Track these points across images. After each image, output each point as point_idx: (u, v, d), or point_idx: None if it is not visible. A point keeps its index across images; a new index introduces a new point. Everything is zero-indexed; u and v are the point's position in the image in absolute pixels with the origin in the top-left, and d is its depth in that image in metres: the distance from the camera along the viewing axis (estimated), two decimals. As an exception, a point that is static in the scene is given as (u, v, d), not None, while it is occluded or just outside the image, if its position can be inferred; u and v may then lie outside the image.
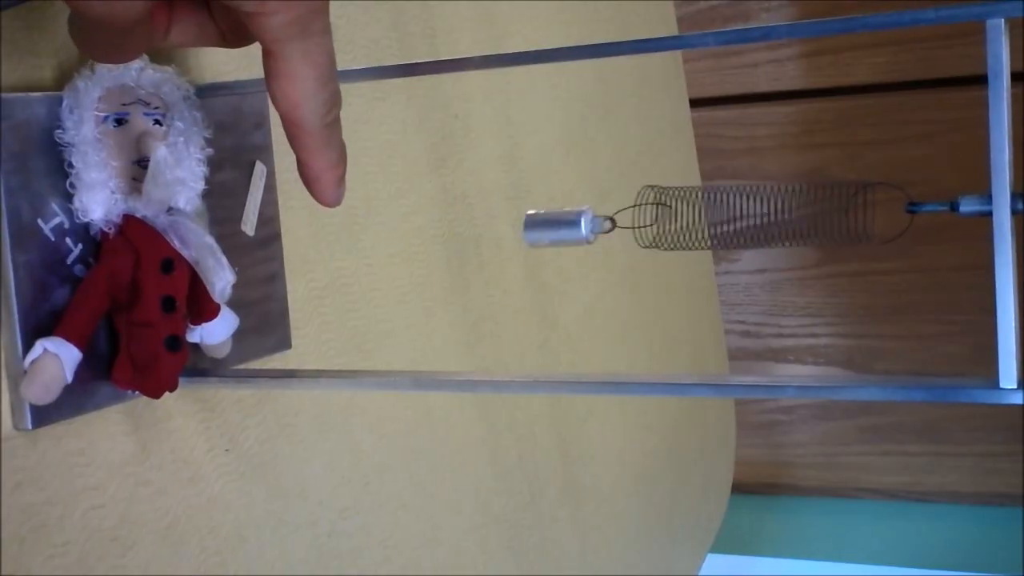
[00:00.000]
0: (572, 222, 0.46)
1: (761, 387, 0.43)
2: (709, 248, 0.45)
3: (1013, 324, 0.37)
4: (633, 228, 0.46)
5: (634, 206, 0.46)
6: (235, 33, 0.44)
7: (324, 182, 0.44)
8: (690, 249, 0.45)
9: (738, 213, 0.44)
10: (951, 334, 1.63)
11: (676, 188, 0.45)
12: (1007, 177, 0.37)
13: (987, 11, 0.37)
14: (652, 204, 0.45)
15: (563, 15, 0.99)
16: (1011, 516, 1.62)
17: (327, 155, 0.44)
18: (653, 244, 0.46)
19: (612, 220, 0.47)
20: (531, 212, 0.48)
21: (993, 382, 0.38)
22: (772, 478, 1.79)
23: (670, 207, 0.45)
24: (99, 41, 0.42)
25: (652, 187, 0.46)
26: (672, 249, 0.46)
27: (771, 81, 1.68)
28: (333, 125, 0.43)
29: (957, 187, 0.40)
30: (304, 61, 0.41)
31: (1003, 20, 0.37)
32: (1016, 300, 0.37)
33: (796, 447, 1.77)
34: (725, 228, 0.45)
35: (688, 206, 0.45)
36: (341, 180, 0.45)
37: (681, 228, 0.45)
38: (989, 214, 0.38)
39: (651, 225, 0.45)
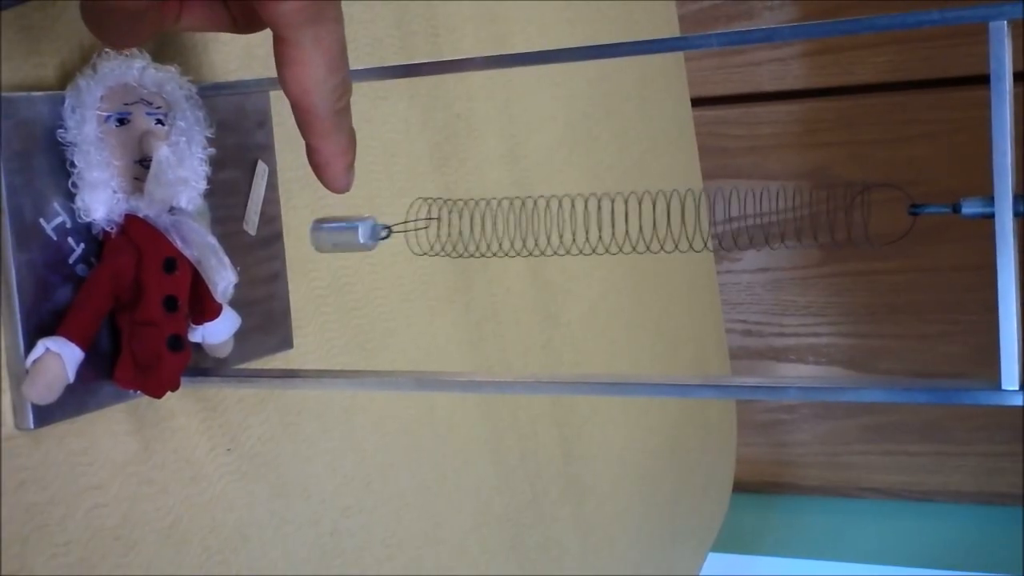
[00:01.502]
0: (353, 228, 0.50)
1: (764, 388, 0.43)
2: (482, 256, 0.48)
3: (1015, 326, 0.37)
4: (405, 233, 0.50)
5: (405, 221, 0.50)
6: (246, 19, 0.44)
7: (334, 168, 0.45)
8: (461, 257, 0.49)
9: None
10: (953, 334, 1.63)
11: (449, 200, 0.50)
12: (1009, 179, 0.37)
13: (990, 13, 0.37)
14: (422, 219, 0.50)
15: (566, 13, 0.99)
16: (1013, 516, 1.62)
17: (337, 141, 0.44)
18: (426, 252, 0.50)
19: (388, 228, 0.50)
20: (318, 218, 0.51)
21: (995, 384, 0.38)
22: (774, 477, 1.79)
23: (438, 219, 0.50)
24: (111, 25, 0.42)
25: (424, 199, 0.50)
26: (445, 256, 0.50)
27: (774, 80, 1.68)
28: (343, 112, 0.43)
29: (959, 187, 0.40)
30: (315, 47, 0.41)
31: (1006, 22, 0.37)
32: (1018, 302, 0.37)
33: (798, 446, 1.77)
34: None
35: (458, 217, 0.49)
36: (350, 167, 0.45)
37: (452, 238, 0.49)
38: (991, 216, 0.38)
39: (422, 230, 0.50)
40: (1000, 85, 0.37)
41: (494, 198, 0.49)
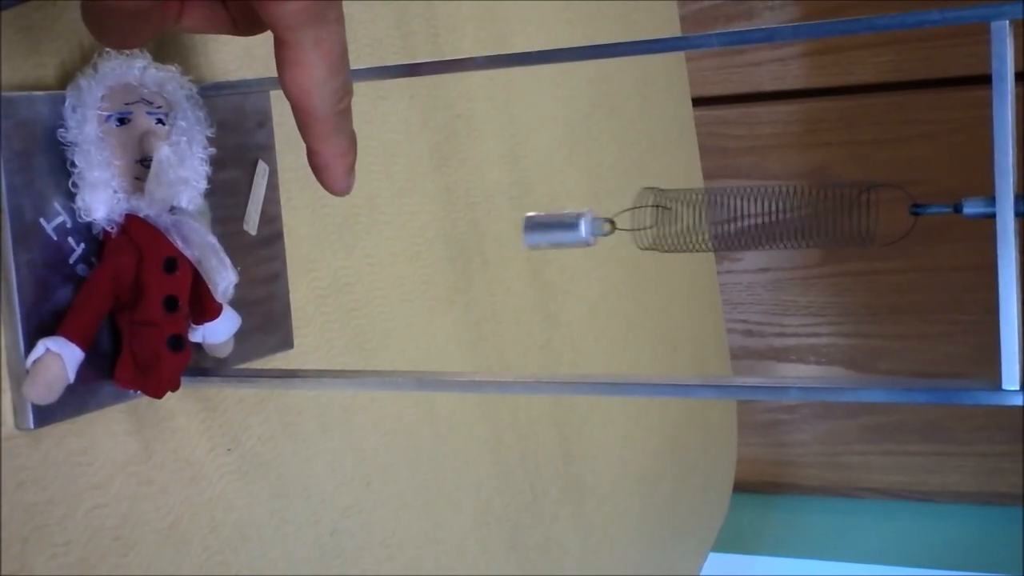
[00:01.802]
0: (572, 224, 0.47)
1: (764, 388, 0.43)
2: (709, 250, 0.45)
3: (1016, 326, 0.37)
4: (633, 230, 0.46)
5: (633, 208, 0.46)
6: (246, 20, 0.44)
7: (334, 171, 0.44)
8: (689, 251, 0.45)
9: (740, 214, 0.44)
10: (953, 334, 1.63)
11: (675, 190, 0.46)
12: (1011, 179, 0.37)
13: (992, 12, 0.37)
14: (651, 206, 0.45)
15: (566, 13, 0.99)
16: (1013, 516, 1.62)
17: (337, 143, 0.44)
18: (652, 246, 0.46)
19: (612, 222, 0.47)
20: (531, 214, 0.48)
21: (995, 384, 0.38)
22: (774, 477, 1.79)
23: (670, 209, 0.45)
24: (111, 26, 0.42)
25: (651, 189, 0.46)
26: (671, 251, 0.46)
27: (774, 80, 1.67)
28: (344, 113, 0.43)
29: (960, 187, 0.40)
30: (316, 49, 0.41)
31: (1008, 21, 0.37)
32: (1019, 303, 0.37)
33: (798, 446, 1.77)
34: (727, 228, 0.45)
35: (688, 208, 0.45)
36: (351, 169, 0.45)
37: (680, 230, 0.46)
38: (993, 216, 0.38)
39: (650, 227, 0.46)
40: (1002, 85, 0.37)
41: (713, 187, 0.45)
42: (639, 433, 1.10)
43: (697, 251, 0.45)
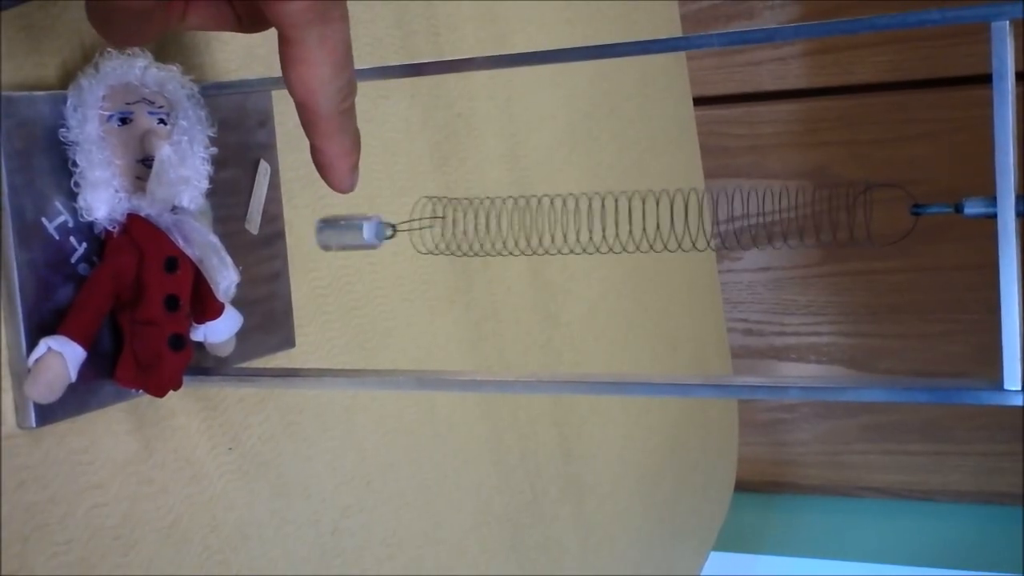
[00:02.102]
0: (357, 227, 0.50)
1: (764, 388, 0.43)
2: (487, 255, 0.48)
3: (1017, 326, 0.37)
4: (410, 232, 0.50)
5: (410, 220, 0.50)
6: (251, 18, 0.44)
7: (338, 169, 0.45)
8: (467, 256, 0.49)
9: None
10: (954, 333, 1.63)
11: (453, 199, 0.49)
12: (1012, 179, 0.37)
13: (992, 12, 0.37)
14: (427, 218, 0.50)
15: (566, 12, 0.99)
16: (1013, 515, 1.62)
17: (341, 141, 0.44)
18: (431, 251, 0.50)
19: (393, 227, 0.50)
20: (323, 217, 0.51)
21: (997, 384, 0.38)
22: (774, 476, 1.79)
23: (443, 217, 0.49)
24: (116, 25, 0.42)
25: (429, 197, 0.50)
26: (450, 255, 0.49)
27: (775, 79, 1.67)
28: (348, 112, 0.43)
29: (960, 186, 0.40)
30: (321, 47, 0.41)
31: (1008, 22, 0.37)
32: (1020, 302, 0.37)
33: (798, 445, 1.77)
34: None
35: (462, 215, 0.49)
36: (355, 167, 0.45)
37: (456, 236, 0.49)
38: (994, 216, 0.38)
39: (427, 228, 0.50)
40: (1002, 84, 0.37)
41: (498, 197, 0.48)
42: (639, 432, 1.10)
43: (473, 256, 0.49)
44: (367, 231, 0.50)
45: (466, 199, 0.49)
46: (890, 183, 0.41)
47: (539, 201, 0.48)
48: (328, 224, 0.51)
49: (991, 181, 0.37)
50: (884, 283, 1.67)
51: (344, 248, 0.51)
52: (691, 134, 1.32)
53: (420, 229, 0.50)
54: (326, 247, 0.51)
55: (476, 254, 0.48)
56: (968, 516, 1.67)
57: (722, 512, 1.44)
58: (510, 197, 0.48)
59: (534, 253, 0.47)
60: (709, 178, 1.42)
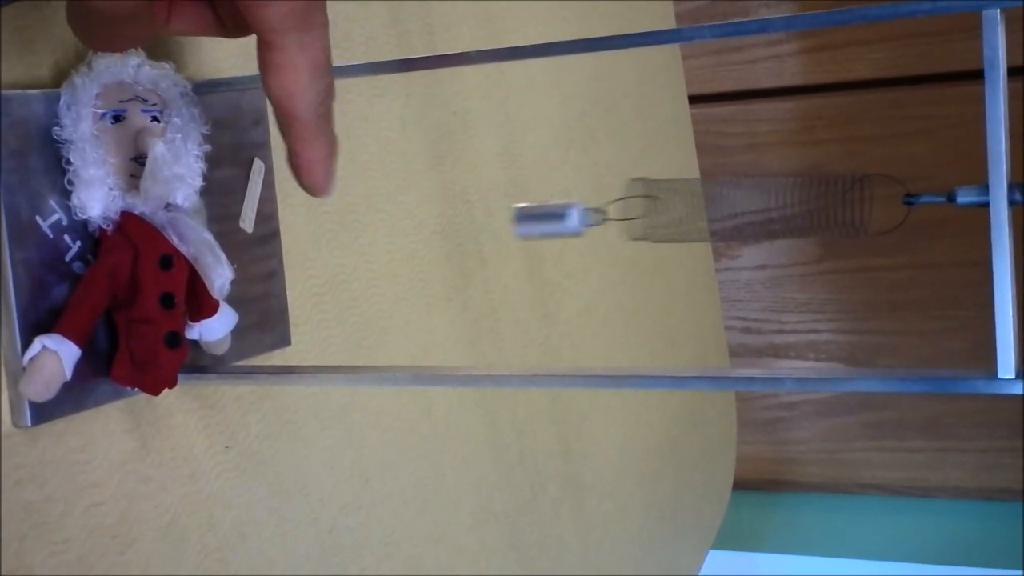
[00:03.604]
0: (562, 215, 0.47)
1: (759, 380, 0.43)
2: (701, 240, 0.45)
3: (1011, 314, 0.37)
4: (624, 220, 0.46)
5: (622, 198, 0.46)
6: (235, 22, 0.44)
7: (314, 172, 0.44)
8: (680, 241, 0.46)
9: (733, 206, 0.44)
10: (953, 330, 1.63)
11: (665, 181, 0.46)
12: (1004, 167, 0.37)
13: (983, 2, 0.37)
14: (641, 196, 0.46)
15: (562, 12, 0.99)
16: (1014, 512, 1.62)
17: (319, 145, 0.44)
18: (643, 236, 0.46)
19: (603, 212, 0.47)
20: (521, 205, 0.48)
21: (992, 373, 0.38)
22: (774, 474, 1.79)
23: (659, 199, 0.46)
24: (99, 30, 0.42)
25: (641, 179, 0.46)
26: (662, 241, 0.46)
27: (771, 77, 1.67)
28: (326, 116, 0.43)
29: (957, 182, 0.40)
30: (301, 53, 0.41)
31: (999, 11, 0.37)
32: (1014, 290, 0.37)
33: (798, 443, 1.77)
34: (724, 223, 0.45)
35: (678, 198, 0.46)
36: (331, 172, 0.45)
37: (671, 221, 0.46)
38: (986, 204, 0.38)
39: (641, 217, 0.46)
40: (994, 73, 0.37)
41: (696, 179, 0.46)
42: (638, 430, 1.10)
43: (688, 241, 0.45)
44: (573, 219, 0.47)
45: (676, 180, 0.46)
46: (882, 174, 0.41)
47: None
48: (528, 213, 0.48)
49: (987, 175, 0.37)
50: (883, 280, 1.67)
51: (546, 237, 0.48)
52: (687, 132, 1.32)
53: (631, 219, 0.46)
54: (526, 237, 0.48)
55: (688, 240, 0.46)
56: (969, 513, 1.67)
57: (721, 510, 1.44)
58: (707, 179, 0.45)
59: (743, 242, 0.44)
60: (705, 177, 1.41)
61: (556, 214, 0.47)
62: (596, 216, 0.47)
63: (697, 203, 0.45)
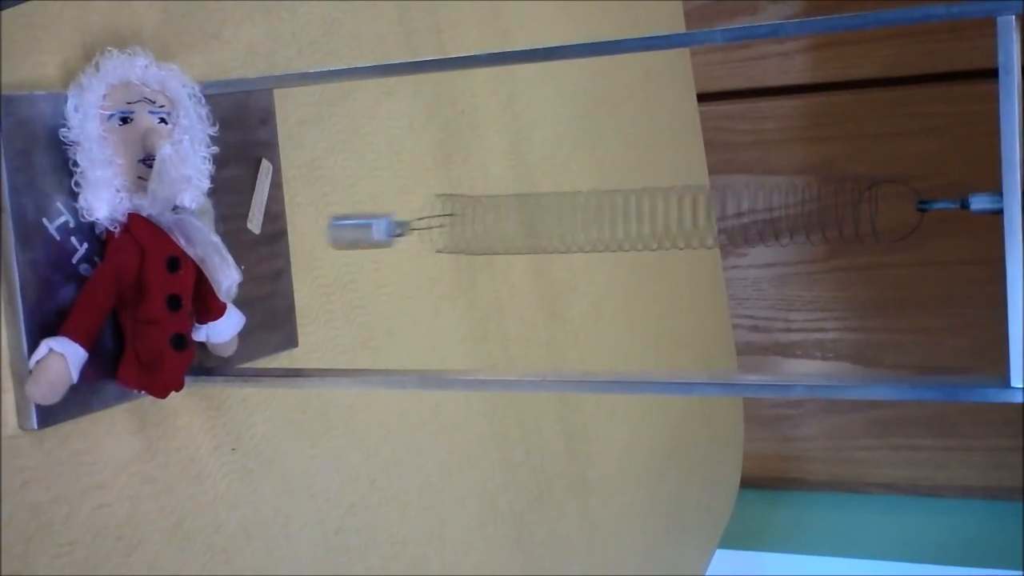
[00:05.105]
0: (369, 225, 0.50)
1: (770, 386, 0.43)
2: (509, 252, 0.48)
3: (1023, 325, 0.37)
4: (422, 230, 0.49)
5: (428, 217, 0.49)
6: None
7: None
8: (485, 253, 0.49)
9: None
10: (959, 328, 1.63)
11: (469, 197, 0.49)
12: (1018, 175, 0.36)
13: (998, 7, 0.37)
14: (440, 215, 0.49)
15: (569, 9, 0.98)
16: (1019, 511, 1.62)
17: None
18: (446, 249, 0.49)
19: (407, 224, 0.50)
20: (335, 215, 0.51)
21: (1004, 381, 0.38)
22: (780, 472, 1.79)
23: (458, 215, 0.49)
24: None
25: (444, 195, 0.49)
26: (466, 253, 0.49)
27: (779, 75, 1.67)
28: None
29: (965, 181, 0.40)
30: None
31: (1014, 16, 0.37)
32: (1027, 299, 0.37)
33: (804, 441, 1.77)
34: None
35: (481, 212, 0.48)
36: None
37: (474, 233, 0.49)
38: (1000, 212, 0.37)
39: (440, 227, 0.49)
40: (1008, 79, 0.36)
41: (507, 194, 0.48)
42: (645, 429, 1.10)
43: (494, 253, 0.48)
44: (378, 229, 0.49)
45: (478, 196, 0.49)
46: (895, 179, 0.40)
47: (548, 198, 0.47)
48: (340, 222, 0.50)
49: (995, 175, 0.37)
50: (889, 278, 1.66)
51: (355, 247, 0.50)
52: (695, 130, 1.31)
53: (431, 228, 0.49)
54: (337, 245, 0.51)
55: (488, 252, 0.48)
56: (975, 512, 1.67)
57: (728, 508, 1.44)
58: (516, 195, 0.48)
59: (544, 252, 0.46)
60: (713, 174, 1.41)
61: (364, 224, 0.50)
62: (401, 228, 0.50)
63: (501, 217, 0.48)
